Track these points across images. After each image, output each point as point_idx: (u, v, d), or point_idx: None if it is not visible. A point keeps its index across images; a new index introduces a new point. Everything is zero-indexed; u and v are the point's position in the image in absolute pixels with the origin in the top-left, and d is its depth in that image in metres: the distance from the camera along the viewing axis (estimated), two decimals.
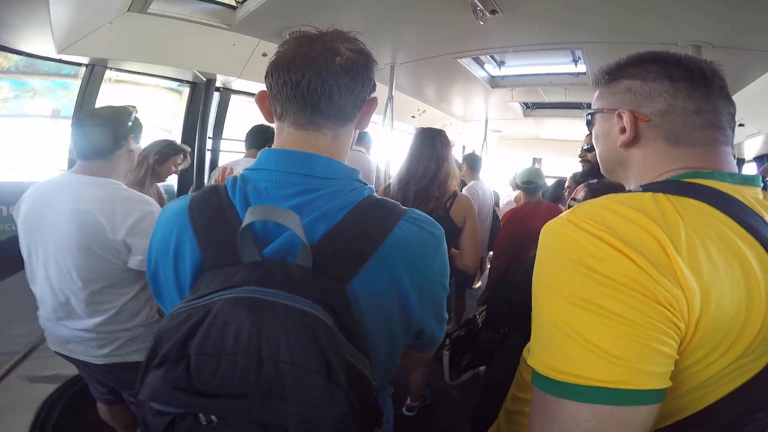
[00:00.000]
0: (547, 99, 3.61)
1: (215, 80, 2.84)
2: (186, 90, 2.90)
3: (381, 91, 2.77)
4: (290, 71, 0.55)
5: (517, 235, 2.25)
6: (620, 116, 0.58)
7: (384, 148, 2.94)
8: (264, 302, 0.44)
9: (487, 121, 4.78)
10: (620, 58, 0.62)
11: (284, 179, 0.56)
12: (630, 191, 0.57)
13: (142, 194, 1.30)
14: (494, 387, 1.61)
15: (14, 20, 1.72)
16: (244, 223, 0.48)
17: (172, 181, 2.74)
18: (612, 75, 0.62)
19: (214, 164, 3.12)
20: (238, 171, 1.91)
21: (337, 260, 0.52)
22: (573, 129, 4.64)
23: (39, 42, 1.94)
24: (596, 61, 2.45)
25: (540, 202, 2.55)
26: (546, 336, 0.48)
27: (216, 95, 3.00)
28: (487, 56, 2.89)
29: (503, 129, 5.31)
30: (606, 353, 0.41)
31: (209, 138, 3.00)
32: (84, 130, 1.24)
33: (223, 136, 3.15)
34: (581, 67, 2.73)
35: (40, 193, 1.24)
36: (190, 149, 2.13)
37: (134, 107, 1.34)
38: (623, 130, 0.59)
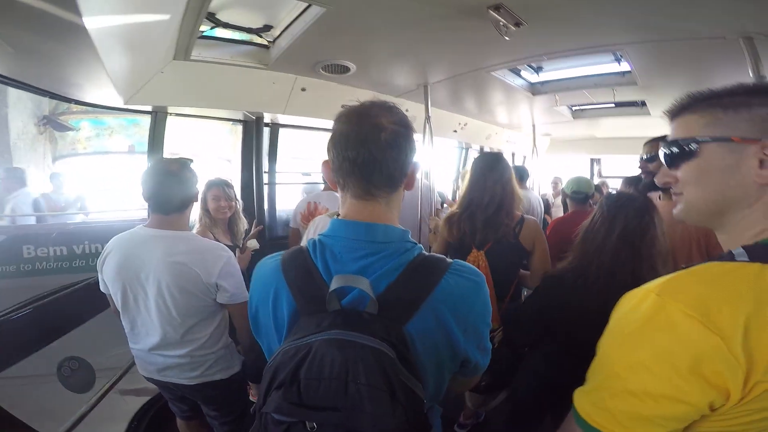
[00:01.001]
0: (594, 100, 3.43)
1: (263, 117, 3.05)
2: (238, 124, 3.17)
3: (418, 111, 2.85)
4: (346, 149, 0.70)
5: (559, 243, 2.17)
6: (765, 147, 0.52)
7: (427, 166, 2.97)
8: (347, 342, 0.59)
9: (534, 126, 4.62)
10: (735, 85, 0.56)
11: (352, 245, 0.72)
12: (730, 254, 0.54)
13: (216, 242, 1.55)
14: (523, 405, 1.58)
15: (78, 78, 1.89)
16: (332, 288, 0.65)
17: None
18: (732, 99, 0.55)
19: (271, 195, 3.36)
20: (320, 203, 2.08)
21: (396, 308, 0.66)
22: (631, 126, 4.35)
23: (105, 93, 2.10)
24: (640, 59, 2.33)
25: (588, 210, 2.43)
26: (607, 402, 0.55)
27: (266, 130, 3.22)
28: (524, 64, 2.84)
29: (553, 132, 5.11)
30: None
31: (264, 172, 3.24)
32: (162, 186, 1.42)
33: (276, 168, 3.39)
34: (625, 66, 2.59)
35: (126, 247, 1.45)
36: (223, 182, 2.28)
37: (191, 160, 1.53)
38: (762, 164, 0.53)
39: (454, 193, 5.01)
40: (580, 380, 0.62)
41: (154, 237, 1.43)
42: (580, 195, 2.42)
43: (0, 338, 1.50)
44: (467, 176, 1.85)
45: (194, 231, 2.13)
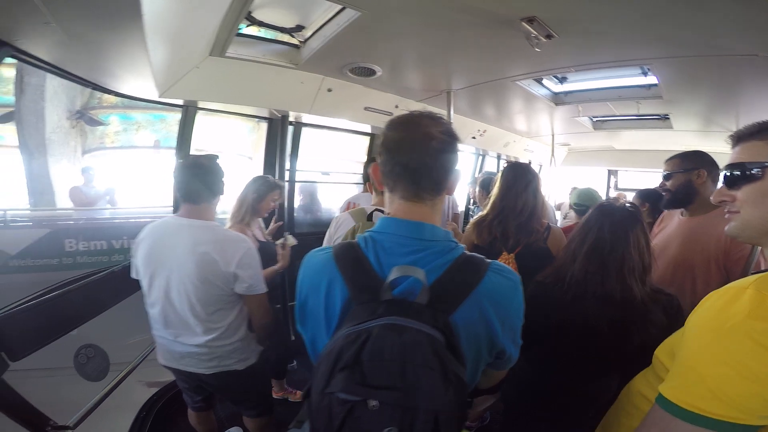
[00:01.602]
0: (617, 112, 3.42)
1: (288, 116, 3.09)
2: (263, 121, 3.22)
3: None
4: (398, 155, 0.78)
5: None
6: None
7: None
8: (404, 327, 0.65)
9: (553, 136, 4.62)
10: None
11: (402, 241, 0.79)
12: None
13: (239, 234, 1.59)
14: (513, 407, 1.59)
15: (121, 69, 1.94)
16: (391, 277, 0.72)
17: None
18: None
19: (291, 193, 3.41)
20: (359, 203, 2.21)
21: (443, 300, 0.73)
22: (652, 139, 4.32)
23: (141, 85, 2.18)
24: (667, 74, 2.32)
25: None
26: (691, 378, 0.63)
27: (289, 128, 3.26)
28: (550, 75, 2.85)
29: (572, 142, 5.09)
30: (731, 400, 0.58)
31: (287, 170, 3.29)
32: (192, 178, 1.52)
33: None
34: (651, 79, 2.58)
35: (158, 235, 1.54)
36: (283, 184, 2.41)
37: (217, 156, 1.61)
38: None
39: (468, 199, 5.06)
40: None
41: (182, 226, 1.51)
42: (582, 207, 2.46)
43: (23, 324, 1.54)
44: (497, 183, 1.95)
45: (227, 226, 2.20)
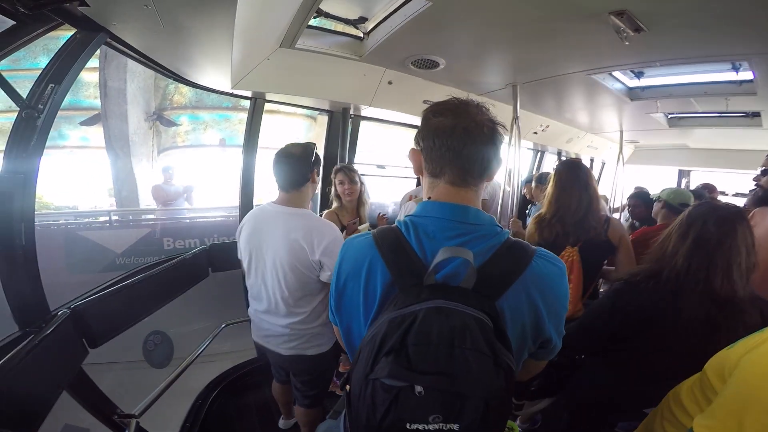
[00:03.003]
0: (700, 109, 3.14)
1: (350, 108, 3.11)
2: (317, 117, 3.26)
3: (504, 111, 2.79)
4: (451, 140, 0.76)
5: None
6: None
7: (512, 168, 2.85)
8: (451, 310, 0.63)
9: (621, 132, 4.33)
10: None
11: (446, 225, 0.77)
12: None
13: (329, 222, 1.65)
14: (583, 411, 1.56)
15: (201, 58, 1.97)
16: (439, 258, 0.69)
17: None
18: None
19: None
20: (421, 195, 2.19)
21: (489, 285, 0.71)
22: (732, 138, 3.94)
23: (217, 77, 2.25)
24: (766, 69, 2.09)
25: None
26: (729, 425, 0.59)
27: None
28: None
29: (641, 140, 4.74)
30: None
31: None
32: (283, 166, 1.61)
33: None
34: (745, 75, 2.34)
35: (256, 220, 1.66)
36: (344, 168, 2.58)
37: (314, 144, 1.68)
38: None
39: (522, 198, 4.85)
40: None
41: (277, 212, 1.60)
42: (685, 207, 2.30)
43: (101, 312, 1.60)
44: (551, 182, 1.97)
45: (321, 214, 2.36)
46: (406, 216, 0.82)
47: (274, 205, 1.63)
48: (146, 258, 3.77)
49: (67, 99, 1.38)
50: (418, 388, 0.58)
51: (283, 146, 1.64)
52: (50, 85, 1.30)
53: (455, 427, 0.58)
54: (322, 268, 1.56)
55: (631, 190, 4.96)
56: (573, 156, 4.99)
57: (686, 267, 1.22)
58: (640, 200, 3.18)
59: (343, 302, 0.84)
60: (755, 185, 1.78)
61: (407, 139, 4.49)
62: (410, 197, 2.48)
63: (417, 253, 0.75)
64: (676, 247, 1.26)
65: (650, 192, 3.40)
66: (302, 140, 1.74)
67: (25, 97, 1.26)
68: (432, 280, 0.70)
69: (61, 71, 1.33)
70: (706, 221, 1.22)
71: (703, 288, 1.19)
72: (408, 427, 0.58)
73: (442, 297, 0.65)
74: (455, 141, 0.76)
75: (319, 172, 1.70)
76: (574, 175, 1.89)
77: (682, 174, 5.44)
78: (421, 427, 0.58)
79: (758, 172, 1.84)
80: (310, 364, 1.73)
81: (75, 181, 5.79)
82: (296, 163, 1.61)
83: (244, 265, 1.71)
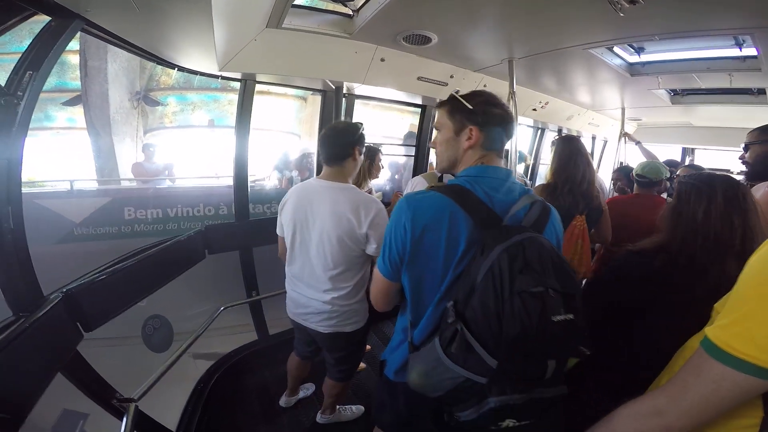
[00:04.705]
0: (703, 85, 3.05)
1: (342, 87, 3.05)
2: (309, 97, 3.19)
3: (500, 87, 2.73)
4: (506, 126, 1.08)
5: (615, 226, 2.24)
6: None
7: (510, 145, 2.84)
8: (536, 237, 0.87)
9: (623, 109, 4.24)
10: None
11: (499, 183, 1.03)
12: None
13: (372, 196, 1.70)
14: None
15: (182, 42, 1.95)
16: (521, 205, 0.98)
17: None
18: None
19: None
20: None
21: (537, 223, 0.96)
22: (738, 115, 3.84)
23: (202, 60, 2.23)
24: None
25: (647, 194, 2.45)
26: (733, 317, 0.62)
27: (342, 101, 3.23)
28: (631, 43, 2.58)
29: (643, 117, 4.64)
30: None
31: None
32: (327, 139, 1.66)
33: None
34: (749, 51, 2.26)
35: (301, 195, 1.68)
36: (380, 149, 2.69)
37: (361, 124, 1.71)
38: None
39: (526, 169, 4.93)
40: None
41: (323, 187, 1.63)
42: (643, 180, 2.44)
43: (96, 295, 1.60)
44: (552, 156, 2.12)
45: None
46: (458, 176, 1.06)
47: (319, 180, 1.66)
48: (106, 228, 3.65)
49: (54, 81, 1.38)
50: (552, 291, 0.78)
51: (332, 123, 1.66)
52: (28, 72, 1.28)
53: (571, 316, 0.79)
54: (368, 241, 1.58)
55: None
56: (574, 133, 4.91)
57: (723, 230, 1.16)
58: (622, 174, 3.49)
59: (419, 253, 0.98)
60: (742, 163, 1.75)
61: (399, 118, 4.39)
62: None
63: (486, 202, 0.96)
64: (708, 211, 1.19)
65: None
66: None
67: (3, 84, 1.24)
68: (507, 221, 0.95)
69: (38, 59, 1.31)
70: (722, 183, 1.20)
71: (739, 249, 1.13)
72: (554, 319, 0.77)
73: (520, 232, 0.87)
74: (508, 127, 1.08)
75: (361, 151, 1.70)
76: (575, 150, 2.05)
77: (686, 152, 5.34)
78: (560, 318, 0.78)
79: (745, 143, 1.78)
80: (347, 340, 1.77)
81: (61, 161, 5.73)
82: (338, 136, 1.65)
83: (288, 240, 1.73)
